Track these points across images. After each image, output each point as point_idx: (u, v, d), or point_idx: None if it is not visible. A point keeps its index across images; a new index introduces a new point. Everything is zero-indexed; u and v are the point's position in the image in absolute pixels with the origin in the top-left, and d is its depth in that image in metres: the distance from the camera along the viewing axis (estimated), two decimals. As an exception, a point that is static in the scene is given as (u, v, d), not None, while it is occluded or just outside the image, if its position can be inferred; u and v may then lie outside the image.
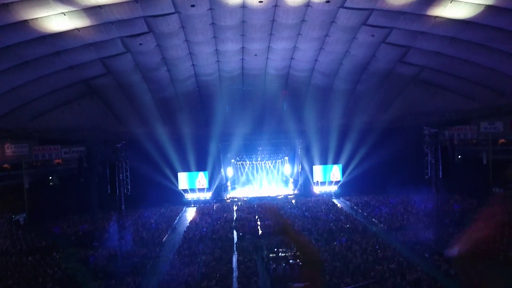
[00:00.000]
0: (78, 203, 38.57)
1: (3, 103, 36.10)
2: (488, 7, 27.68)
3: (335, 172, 49.98)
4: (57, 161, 43.32)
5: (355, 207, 41.98)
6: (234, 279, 24.77)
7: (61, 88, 38.82)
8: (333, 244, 29.84)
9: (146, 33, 32.83)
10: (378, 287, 21.56)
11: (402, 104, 46.13)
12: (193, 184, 49.25)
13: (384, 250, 27.47)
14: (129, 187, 29.68)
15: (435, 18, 30.67)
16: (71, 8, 26.84)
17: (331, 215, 38.14)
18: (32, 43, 29.83)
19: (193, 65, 40.97)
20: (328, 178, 50.08)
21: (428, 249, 27.73)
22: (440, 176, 29.05)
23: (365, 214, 39.20)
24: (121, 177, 28.80)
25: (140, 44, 34.29)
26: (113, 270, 26.78)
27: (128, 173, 29.77)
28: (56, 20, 27.71)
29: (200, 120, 49.06)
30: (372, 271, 23.80)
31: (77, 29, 29.63)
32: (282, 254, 26.90)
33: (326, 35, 36.17)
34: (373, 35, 35.11)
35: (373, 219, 37.20)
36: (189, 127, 47.60)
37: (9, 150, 39.51)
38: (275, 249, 28.36)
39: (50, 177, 43.15)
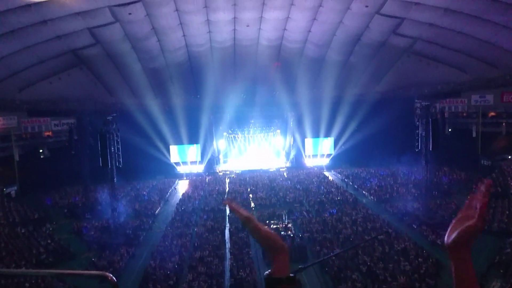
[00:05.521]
0: (70, 175, 38.45)
1: (-11, 74, 35.31)
2: (484, -22, 27.26)
3: (327, 145, 50.24)
4: (47, 133, 42.89)
5: (345, 180, 42.47)
6: (227, 250, 25.22)
7: (49, 58, 37.94)
8: (324, 215, 30.34)
9: (136, 2, 31.90)
10: (368, 257, 22.10)
11: (395, 76, 46.02)
12: (185, 157, 49.24)
13: (373, 221, 28.04)
14: (120, 159, 29.58)
15: (430, -12, 30.19)
16: (56, -25, 25.89)
17: (322, 187, 38.62)
18: (17, 11, 28.85)
19: (184, 35, 40.13)
20: (319, 151, 50.38)
21: (416, 220, 28.36)
22: (430, 149, 29.33)
23: (355, 186, 39.72)
24: (112, 150, 28.65)
25: (130, 13, 33.37)
26: (107, 241, 27.08)
27: (119, 146, 29.61)
28: (41, -12, 26.77)
29: (191, 92, 48.52)
30: (361, 242, 24.34)
31: (64, -3, 28.68)
32: (274, 226, 27.30)
33: (320, 5, 35.48)
34: (367, 6, 34.54)
35: (363, 191, 37.75)
36: (181, 98, 47.10)
37: (-3, 122, 38.95)
38: (267, 221, 28.78)
39: (41, 150, 42.79)
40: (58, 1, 28.98)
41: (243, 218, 1.44)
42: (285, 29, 40.62)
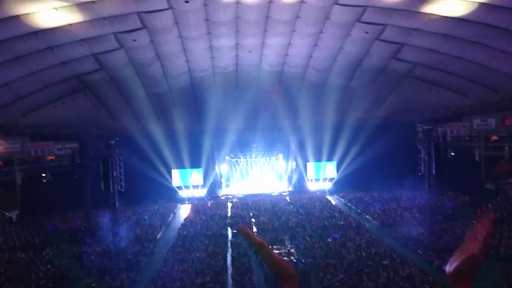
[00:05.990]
0: (72, 199, 38.33)
1: (-5, 98, 35.75)
2: (482, 5, 27.78)
3: (330, 169, 50.12)
4: (50, 157, 43.04)
5: (348, 204, 42.17)
6: (229, 276, 24.84)
7: (54, 83, 38.46)
8: (327, 240, 29.97)
9: (140, 29, 32.56)
10: (372, 283, 21.71)
11: (396, 100, 46.31)
12: (187, 181, 49.12)
13: (377, 246, 27.67)
14: (122, 183, 29.52)
15: (428, 15, 30.76)
16: (63, 3, 26.53)
17: (325, 211, 38.31)
18: (24, 38, 29.46)
19: (187, 61, 40.77)
20: (322, 175, 50.22)
21: (421, 245, 27.97)
22: (433, 173, 29.24)
23: (358, 210, 39.39)
24: (114, 174, 28.64)
25: (134, 40, 34.02)
26: (107, 266, 26.75)
27: (121, 170, 29.60)
28: (49, 15, 27.39)
29: (194, 116, 48.86)
30: (365, 268, 23.96)
31: (70, 24, 29.32)
32: (276, 251, 26.95)
33: (321, 32, 36.14)
34: (367, 32, 35.14)
35: (367, 216, 37.41)
36: (183, 123, 47.39)
37: (1, 146, 39.18)
38: (270, 246, 28.40)
39: (43, 174, 42.84)
40: (65, 28, 29.64)
41: (257, 244, 1.46)
42: (286, 54, 41.26)
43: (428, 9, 29.94)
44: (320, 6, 31.21)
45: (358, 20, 33.31)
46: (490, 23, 30.36)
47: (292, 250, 27.43)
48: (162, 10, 30.18)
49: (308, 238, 30.78)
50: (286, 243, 28.99)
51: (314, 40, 37.82)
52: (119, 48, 35.38)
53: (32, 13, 26.72)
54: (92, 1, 27.02)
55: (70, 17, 28.36)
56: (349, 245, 28.22)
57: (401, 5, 29.93)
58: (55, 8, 26.69)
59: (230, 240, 31.79)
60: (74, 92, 41.92)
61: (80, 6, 27.41)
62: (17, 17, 26.54)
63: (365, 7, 31.22)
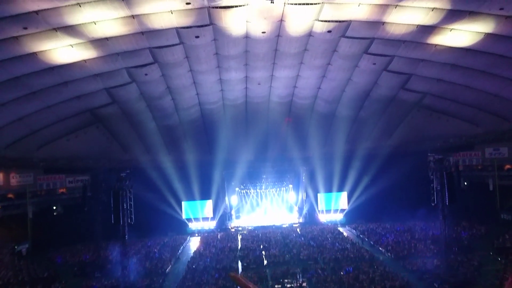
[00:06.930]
0: (82, 232, 38.30)
1: (11, 132, 36.47)
2: (488, 35, 28.07)
3: (341, 200, 49.52)
4: (62, 190, 43.32)
5: (361, 235, 41.35)
6: (239, 311, 24.22)
7: (68, 117, 39.23)
8: (340, 273, 29.24)
9: (151, 63, 33.43)
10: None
11: (406, 130, 46.16)
12: (197, 213, 48.85)
13: (392, 280, 26.89)
14: (132, 216, 29.48)
15: (435, 46, 31.11)
16: (78, 40, 27.50)
17: (337, 244, 37.57)
18: (40, 74, 30.40)
19: (197, 94, 41.46)
20: (333, 206, 49.58)
21: (438, 279, 27.10)
22: (447, 203, 28.70)
23: (371, 242, 38.55)
24: (125, 206, 28.66)
25: (146, 74, 34.85)
26: (116, 301, 26.34)
27: (132, 202, 29.63)
28: (64, 52, 28.35)
29: (204, 148, 49.20)
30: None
31: (84, 60, 30.25)
32: (288, 285, 26.33)
33: (328, 63, 36.67)
34: (374, 63, 35.55)
35: (380, 248, 36.57)
36: (193, 154, 47.70)
37: (14, 179, 39.64)
38: (281, 280, 27.82)
39: (55, 207, 43.00)
40: (79, 64, 30.55)
41: None
42: (295, 86, 41.75)
43: (435, 40, 30.30)
44: (328, 39, 31.81)
45: (366, 52, 33.80)
46: (498, 53, 30.55)
47: (304, 284, 26.79)
48: (173, 45, 31.03)
49: (320, 271, 30.08)
50: (298, 277, 28.33)
51: (322, 71, 38.33)
52: (131, 82, 36.21)
53: (49, 50, 27.69)
54: (106, 38, 27.95)
55: (84, 53, 29.30)
56: (362, 279, 27.47)
57: (408, 37, 30.36)
58: (71, 45, 27.66)
59: (241, 274, 31.18)
60: (87, 125, 42.63)
61: (94, 43, 28.35)
62: (34, 54, 27.51)
63: (372, 39, 31.74)
